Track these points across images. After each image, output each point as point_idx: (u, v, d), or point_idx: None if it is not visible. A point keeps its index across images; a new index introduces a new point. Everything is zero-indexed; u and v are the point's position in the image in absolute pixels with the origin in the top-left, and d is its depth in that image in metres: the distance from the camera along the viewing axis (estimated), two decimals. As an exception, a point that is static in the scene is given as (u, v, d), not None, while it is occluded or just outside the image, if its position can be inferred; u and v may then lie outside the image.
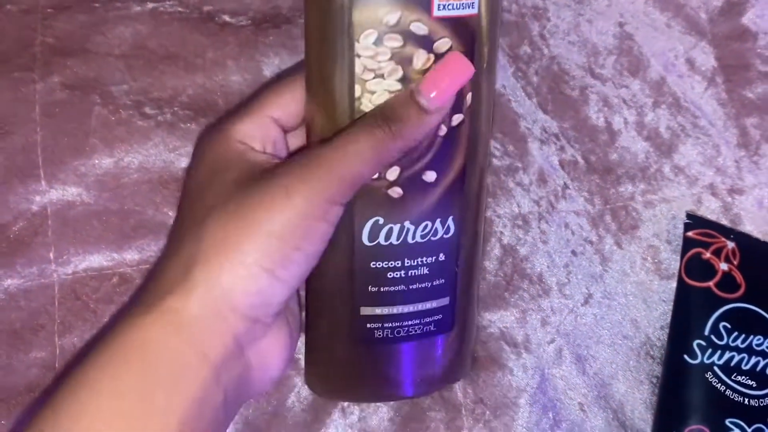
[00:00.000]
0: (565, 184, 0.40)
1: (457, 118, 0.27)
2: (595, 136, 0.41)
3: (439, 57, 0.26)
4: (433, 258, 0.29)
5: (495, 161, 0.40)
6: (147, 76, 0.37)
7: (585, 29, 0.42)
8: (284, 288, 0.26)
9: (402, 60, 0.26)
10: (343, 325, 0.30)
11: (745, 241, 0.38)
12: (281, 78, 0.30)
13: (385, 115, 0.26)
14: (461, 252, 0.30)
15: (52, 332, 0.34)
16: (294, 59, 0.38)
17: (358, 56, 0.25)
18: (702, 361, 0.35)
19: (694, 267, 0.37)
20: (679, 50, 0.43)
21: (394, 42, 0.25)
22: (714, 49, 0.43)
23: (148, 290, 0.26)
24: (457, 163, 0.28)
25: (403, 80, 0.26)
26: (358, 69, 0.26)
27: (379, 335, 0.30)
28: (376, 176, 0.27)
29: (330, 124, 0.27)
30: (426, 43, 0.26)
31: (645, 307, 0.38)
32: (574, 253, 0.39)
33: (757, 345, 0.35)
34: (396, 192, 0.27)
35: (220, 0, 0.39)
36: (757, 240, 0.39)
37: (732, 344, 0.35)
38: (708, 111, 0.42)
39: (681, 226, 0.39)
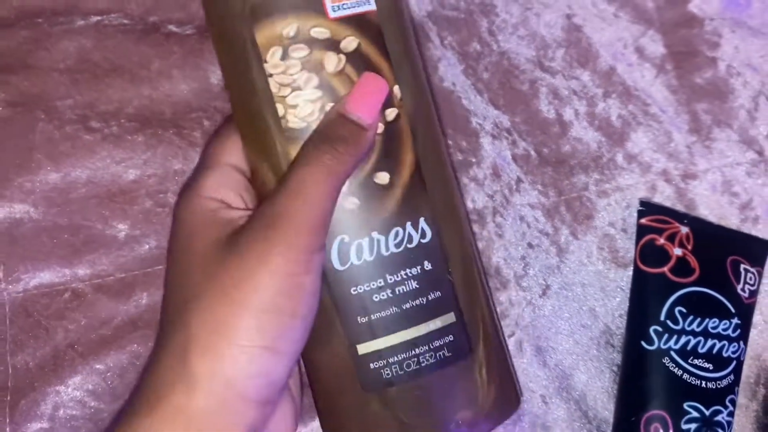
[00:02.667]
0: (518, 177, 0.40)
1: (391, 113, 0.27)
2: (546, 128, 0.41)
3: (350, 55, 0.26)
4: (418, 268, 0.26)
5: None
6: (92, 89, 0.37)
7: (533, 23, 0.43)
8: (288, 360, 0.25)
9: (314, 67, 0.26)
10: (346, 373, 0.27)
11: (698, 225, 0.38)
12: (225, 124, 0.30)
13: (326, 138, 0.25)
14: (449, 257, 0.27)
15: (3, 351, 0.34)
16: (240, 66, 0.38)
17: (270, 75, 0.25)
18: (659, 346, 0.35)
19: (648, 253, 0.37)
20: (627, 39, 0.43)
21: (300, 52, 0.25)
22: (662, 36, 0.43)
23: (147, 386, 0.25)
24: (408, 159, 0.27)
25: (321, 86, 0.26)
26: (273, 88, 0.26)
27: (388, 375, 0.26)
28: None
29: (266, 151, 0.27)
30: (332, 45, 0.26)
31: (603, 296, 0.38)
32: (530, 245, 0.39)
33: (713, 328, 0.35)
34: (352, 203, 0.26)
35: (165, 10, 0.39)
36: (710, 224, 0.39)
37: (688, 328, 0.35)
38: (659, 98, 0.42)
39: (636, 214, 0.39)
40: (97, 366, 0.34)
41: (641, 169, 0.41)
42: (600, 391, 0.37)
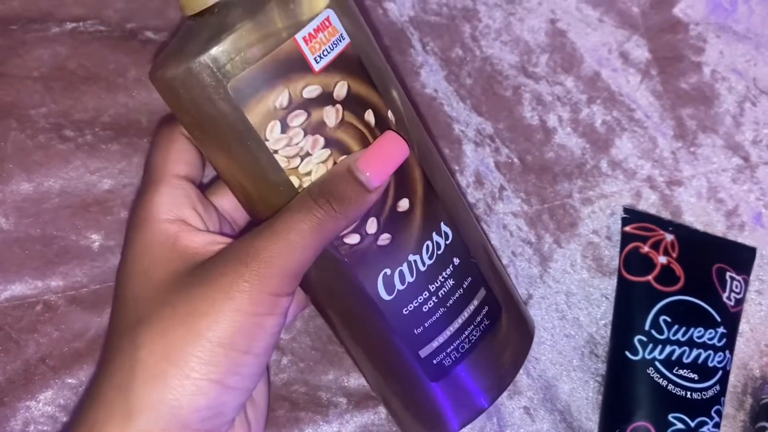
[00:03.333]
0: (501, 185, 0.39)
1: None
2: (530, 135, 0.40)
3: (344, 102, 0.25)
4: (450, 267, 0.28)
5: (430, 166, 0.39)
6: (67, 97, 0.36)
7: (517, 28, 0.42)
8: (238, 395, 0.24)
9: (316, 128, 0.24)
10: (416, 378, 0.29)
11: (683, 232, 0.37)
12: (163, 136, 0.28)
13: (325, 192, 0.24)
14: (469, 246, 0.29)
15: (-27, 366, 0.33)
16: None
17: (275, 152, 0.24)
18: (643, 356, 0.34)
19: (632, 262, 0.36)
20: (612, 44, 0.43)
21: (299, 118, 0.24)
22: (647, 41, 0.43)
23: (86, 412, 0.24)
24: (417, 175, 0.27)
25: (328, 144, 0.25)
26: (282, 163, 0.24)
27: (449, 362, 0.28)
28: (358, 239, 0.26)
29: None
30: (326, 98, 0.24)
31: (587, 304, 0.38)
32: (513, 254, 0.38)
33: (698, 337, 0.35)
34: (386, 239, 0.26)
35: (143, 17, 0.39)
36: (695, 231, 0.39)
37: (672, 338, 0.34)
38: (644, 104, 0.42)
39: (620, 222, 0.38)
40: (69, 380, 0.33)
41: (626, 176, 0.40)
42: (584, 402, 0.36)
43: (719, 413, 0.34)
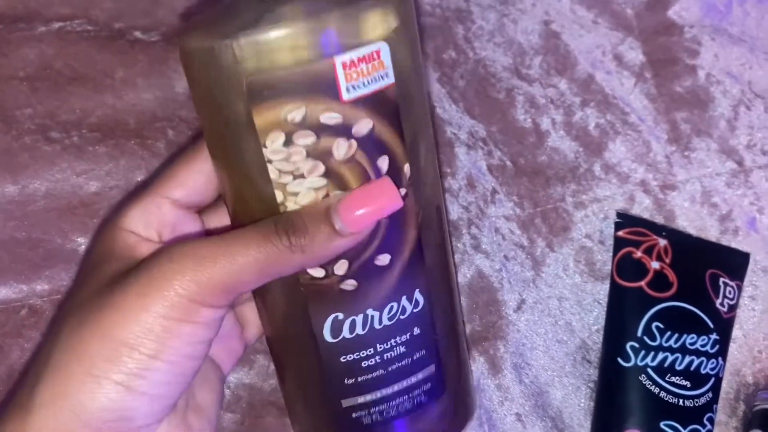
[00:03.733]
0: (494, 188, 0.39)
1: (401, 193, 0.25)
2: (522, 138, 0.40)
3: (361, 140, 0.23)
4: (407, 335, 0.26)
5: (422, 169, 0.39)
6: (53, 98, 0.36)
7: (510, 30, 0.42)
8: (148, 401, 0.23)
9: (320, 155, 0.23)
10: (328, 420, 0.27)
11: (677, 237, 0.37)
12: (179, 155, 0.28)
13: (291, 225, 0.23)
14: (437, 321, 0.27)
15: (-44, 371, 0.32)
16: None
17: (270, 162, 0.23)
18: (635, 363, 0.34)
19: (625, 267, 0.36)
20: (606, 47, 0.42)
21: (307, 139, 0.22)
22: (642, 44, 0.42)
23: (14, 397, 0.24)
24: (410, 238, 0.25)
25: (327, 175, 0.23)
26: (273, 174, 0.23)
27: (368, 421, 0.27)
28: (322, 274, 0.24)
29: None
30: (343, 130, 0.22)
31: (579, 309, 0.38)
32: (506, 257, 0.38)
33: (691, 344, 0.34)
34: (350, 285, 0.25)
35: (131, 16, 0.38)
36: (689, 236, 0.38)
37: (665, 344, 0.34)
38: (638, 107, 0.41)
39: (613, 226, 0.38)
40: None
41: (619, 180, 0.40)
42: (576, 408, 0.36)
43: (711, 421, 0.34)
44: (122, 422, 0.23)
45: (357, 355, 0.26)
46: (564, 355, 0.37)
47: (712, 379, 0.34)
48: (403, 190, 0.24)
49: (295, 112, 0.22)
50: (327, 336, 0.25)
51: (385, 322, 0.26)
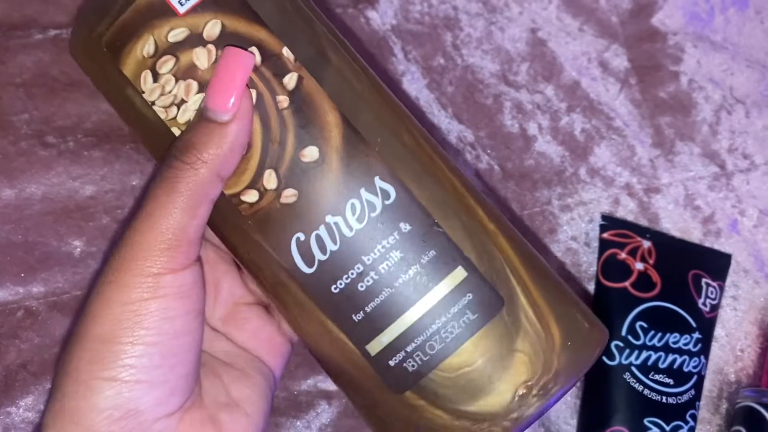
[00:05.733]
0: (482, 192, 0.40)
1: (290, 79, 0.23)
2: (510, 142, 0.41)
3: (218, 42, 0.23)
4: (396, 233, 0.23)
5: (411, 173, 0.39)
6: (49, 104, 0.37)
7: (498, 37, 0.43)
8: (146, 388, 0.22)
9: (187, 72, 0.23)
10: (371, 382, 0.23)
11: (660, 239, 0.38)
12: None
13: (176, 147, 0.22)
14: (431, 207, 0.23)
15: (-47, 372, 0.33)
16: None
17: (153, 103, 0.23)
18: (620, 362, 0.35)
19: (610, 268, 0.37)
20: (591, 53, 0.43)
21: (167, 64, 0.23)
22: (626, 50, 0.43)
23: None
24: (332, 120, 0.23)
25: (203, 88, 0.23)
26: (161, 114, 0.23)
27: (413, 366, 0.23)
28: (257, 196, 0.23)
29: None
30: (195, 40, 0.23)
31: (566, 310, 0.38)
32: (493, 260, 0.39)
33: (674, 343, 0.35)
34: (291, 195, 0.23)
35: (126, 24, 0.39)
36: (672, 238, 0.39)
37: (649, 343, 0.35)
38: (622, 112, 0.42)
39: (598, 228, 0.39)
40: (50, 387, 0.33)
41: (604, 183, 0.41)
42: (563, 406, 0.37)
43: (694, 417, 0.35)
44: (131, 418, 0.22)
45: (346, 278, 0.23)
46: (551, 355, 0.38)
47: (695, 377, 0.35)
48: (293, 74, 0.23)
49: (146, 46, 0.23)
50: (302, 266, 0.23)
51: (355, 225, 0.23)
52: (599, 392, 0.35)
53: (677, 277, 0.37)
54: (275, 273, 0.24)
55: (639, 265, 0.37)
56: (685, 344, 0.35)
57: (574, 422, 0.37)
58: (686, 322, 0.36)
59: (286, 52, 0.23)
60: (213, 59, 0.23)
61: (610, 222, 0.38)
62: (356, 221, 0.23)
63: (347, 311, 0.23)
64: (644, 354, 0.35)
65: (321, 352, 0.25)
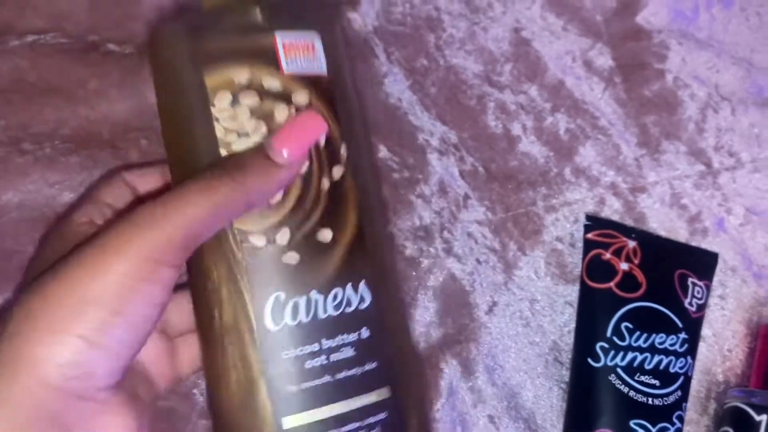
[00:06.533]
0: (466, 194, 0.39)
1: (337, 171, 0.26)
2: (494, 144, 0.40)
3: (300, 109, 0.25)
4: (356, 334, 0.25)
5: (394, 175, 0.39)
6: (26, 110, 0.36)
7: (481, 37, 0.42)
8: (108, 357, 0.23)
9: (264, 116, 0.25)
10: None
11: (646, 238, 0.38)
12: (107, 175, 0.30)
13: (232, 165, 0.24)
14: (387, 331, 0.26)
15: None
16: (179, 84, 0.38)
17: (217, 120, 0.25)
18: (605, 363, 0.34)
19: (594, 268, 0.37)
20: (576, 53, 0.43)
21: (251, 99, 0.25)
22: (611, 49, 0.43)
23: None
24: (351, 219, 0.26)
25: (269, 135, 0.25)
26: (219, 133, 0.25)
27: None
28: (264, 242, 0.25)
29: None
30: (283, 97, 0.25)
31: (551, 311, 0.38)
32: (478, 261, 0.38)
33: (660, 343, 0.35)
34: (292, 258, 0.25)
35: (105, 28, 0.39)
36: (657, 237, 0.39)
37: (634, 344, 0.35)
38: (607, 111, 0.42)
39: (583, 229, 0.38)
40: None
41: (589, 183, 0.40)
42: (549, 409, 0.37)
43: (681, 419, 0.34)
44: (84, 380, 0.23)
45: (300, 351, 0.24)
46: (536, 357, 0.37)
47: (681, 378, 0.35)
48: (341, 168, 0.26)
49: (241, 75, 0.25)
50: (267, 321, 0.24)
51: (330, 311, 0.25)
52: (584, 394, 0.34)
53: (663, 276, 0.36)
54: (236, 315, 0.25)
55: (624, 265, 0.36)
56: (672, 345, 0.35)
57: (560, 425, 0.36)
58: (672, 323, 0.35)
59: (343, 148, 0.26)
60: (288, 117, 0.25)
61: (594, 222, 0.38)
62: (333, 308, 0.25)
63: (285, 380, 0.24)
64: (630, 355, 0.34)
65: (228, 405, 0.25)
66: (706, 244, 0.40)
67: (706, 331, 0.38)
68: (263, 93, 0.25)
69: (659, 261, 0.37)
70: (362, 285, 0.26)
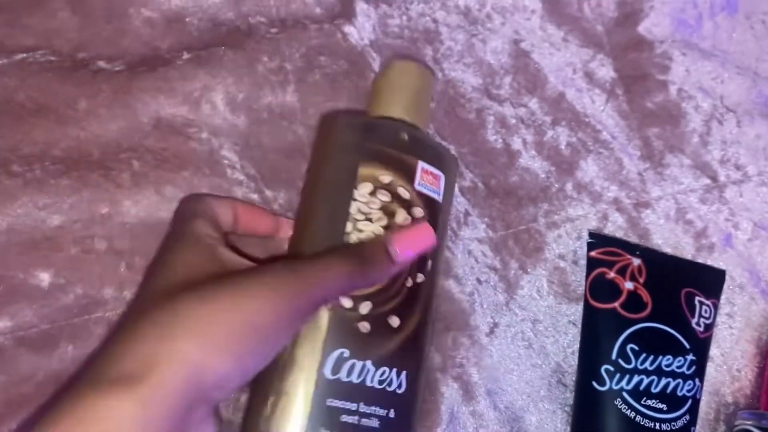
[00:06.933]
0: (466, 210, 0.38)
1: (420, 277, 0.31)
2: (494, 158, 0.40)
3: (414, 219, 0.31)
4: (385, 412, 0.29)
5: (392, 192, 0.38)
6: (15, 131, 0.35)
7: (479, 50, 0.41)
8: (243, 378, 0.26)
9: (388, 213, 0.31)
10: None
11: (651, 256, 0.37)
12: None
13: (361, 254, 0.29)
14: (408, 415, 0.30)
15: None
16: (170, 101, 0.37)
17: (355, 200, 0.31)
18: (611, 387, 0.33)
19: (598, 288, 0.36)
20: (577, 64, 0.42)
21: (385, 196, 0.31)
22: (612, 60, 0.42)
23: (101, 364, 0.25)
24: (416, 317, 0.31)
25: (386, 228, 0.31)
26: (352, 209, 0.31)
27: None
28: (350, 305, 0.29)
29: (312, 244, 0.31)
30: (407, 205, 0.31)
31: (554, 332, 0.37)
32: (478, 281, 0.38)
33: (667, 365, 0.34)
34: (364, 327, 0.29)
35: (95, 46, 0.38)
36: (663, 254, 0.38)
37: (640, 367, 0.34)
38: (609, 124, 0.41)
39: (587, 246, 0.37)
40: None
41: (592, 199, 0.39)
42: (553, 433, 0.36)
43: (689, 444, 0.33)
44: (221, 391, 0.25)
45: (342, 404, 0.28)
46: (539, 379, 0.36)
47: (689, 401, 0.34)
48: (423, 276, 0.31)
49: (385, 176, 0.31)
50: (327, 370, 0.28)
51: (376, 384, 0.29)
52: (589, 420, 0.33)
53: (669, 295, 0.35)
54: (305, 352, 0.29)
55: (629, 285, 0.35)
56: (679, 367, 0.34)
57: (565, 449, 0.35)
58: (679, 344, 0.34)
59: (429, 263, 0.32)
60: (404, 224, 0.31)
61: (597, 239, 0.37)
62: (378, 381, 0.29)
63: (321, 422, 0.28)
64: (636, 378, 0.33)
65: (266, 426, 0.29)
66: (713, 260, 0.39)
67: (713, 350, 0.37)
68: (395, 196, 0.31)
69: (665, 279, 0.36)
70: (404, 374, 0.30)
